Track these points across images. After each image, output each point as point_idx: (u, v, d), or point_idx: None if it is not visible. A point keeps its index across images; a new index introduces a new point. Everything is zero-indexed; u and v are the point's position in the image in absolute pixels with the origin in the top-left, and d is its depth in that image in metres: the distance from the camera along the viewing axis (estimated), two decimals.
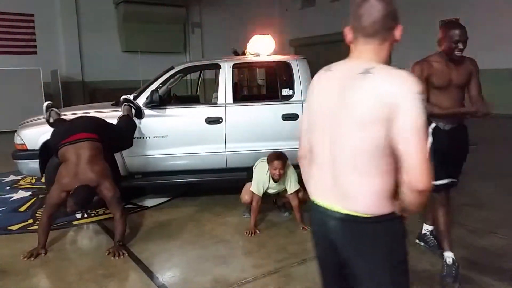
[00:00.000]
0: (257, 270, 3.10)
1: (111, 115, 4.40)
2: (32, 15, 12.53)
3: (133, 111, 4.43)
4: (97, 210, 4.44)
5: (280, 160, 3.85)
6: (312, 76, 1.60)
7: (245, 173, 4.44)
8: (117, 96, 4.78)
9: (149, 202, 4.84)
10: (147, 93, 4.58)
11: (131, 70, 13.05)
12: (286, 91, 4.97)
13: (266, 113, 4.75)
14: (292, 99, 4.74)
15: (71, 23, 13.12)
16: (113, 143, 4.01)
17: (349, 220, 1.39)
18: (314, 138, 1.50)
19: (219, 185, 5.27)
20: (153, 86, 4.69)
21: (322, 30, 15.69)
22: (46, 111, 4.29)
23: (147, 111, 4.52)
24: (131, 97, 4.52)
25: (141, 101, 4.56)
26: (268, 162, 3.93)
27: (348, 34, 1.46)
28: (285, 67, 5.01)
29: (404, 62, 2.15)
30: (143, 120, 4.49)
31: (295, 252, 3.40)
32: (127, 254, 3.40)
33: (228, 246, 3.59)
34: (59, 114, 4.27)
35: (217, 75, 4.99)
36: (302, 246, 3.52)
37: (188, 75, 9.54)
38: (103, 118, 4.12)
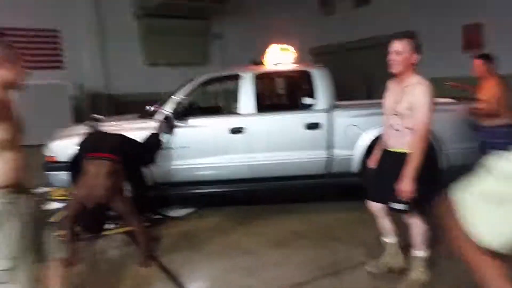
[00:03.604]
0: (284, 282, 3.08)
1: (138, 127, 4.51)
2: (58, 30, 12.95)
3: (168, 128, 4.53)
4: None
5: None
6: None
7: (269, 183, 4.44)
8: (142, 108, 4.89)
9: (175, 212, 4.88)
10: (170, 104, 4.67)
11: (154, 83, 13.24)
12: (307, 100, 4.97)
13: (289, 122, 4.76)
14: (314, 108, 4.75)
15: (96, 38, 13.49)
16: (135, 161, 4.12)
17: None
18: None
19: (243, 195, 5.29)
20: (176, 98, 4.77)
21: (343, 38, 15.64)
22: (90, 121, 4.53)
23: None
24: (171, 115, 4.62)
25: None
26: None
27: None
28: (306, 76, 5.01)
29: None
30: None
31: (324, 264, 3.35)
32: (154, 265, 3.44)
33: (255, 257, 3.58)
34: (94, 128, 4.39)
35: (238, 86, 5.01)
36: (331, 258, 3.47)
37: (210, 86, 9.64)
38: (129, 133, 4.17)
